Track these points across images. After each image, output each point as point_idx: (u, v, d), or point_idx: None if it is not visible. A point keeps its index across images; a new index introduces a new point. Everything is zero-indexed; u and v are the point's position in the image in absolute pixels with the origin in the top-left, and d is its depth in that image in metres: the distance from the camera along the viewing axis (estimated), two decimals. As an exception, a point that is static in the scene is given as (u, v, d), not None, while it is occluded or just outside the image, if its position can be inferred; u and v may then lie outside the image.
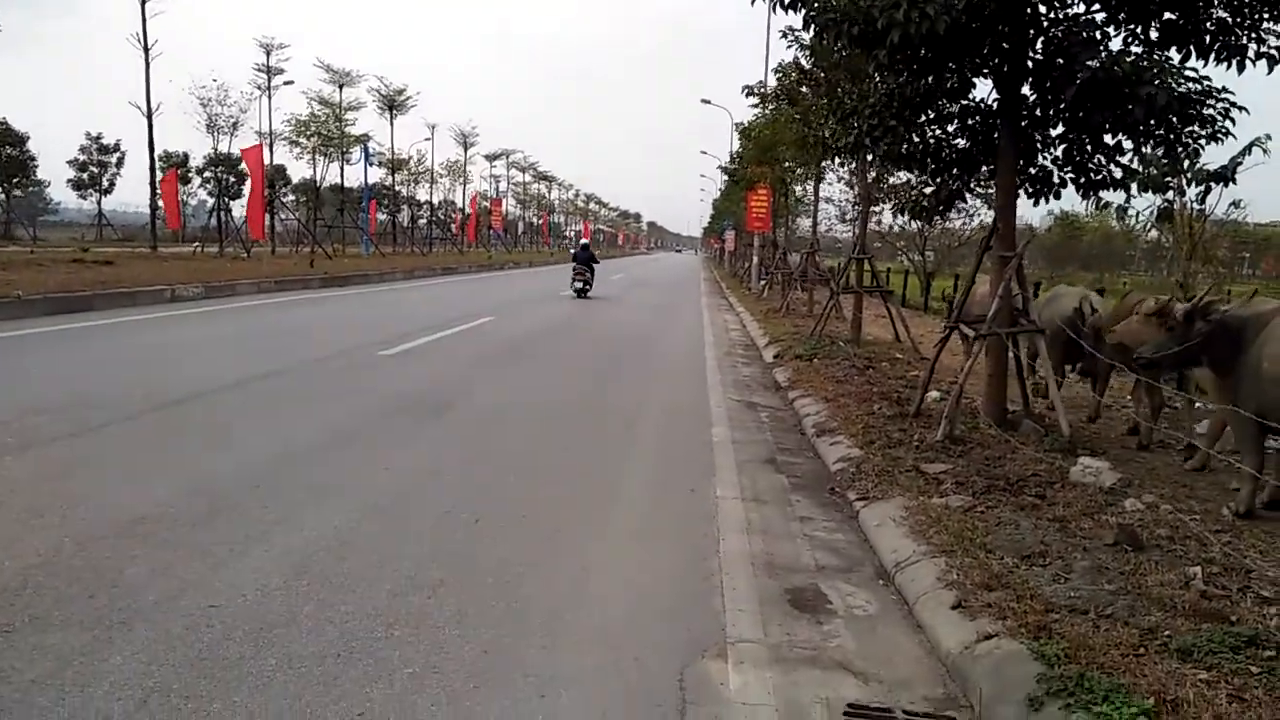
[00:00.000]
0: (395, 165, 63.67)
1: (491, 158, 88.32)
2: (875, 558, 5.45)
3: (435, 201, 76.50)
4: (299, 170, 73.78)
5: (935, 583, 4.68)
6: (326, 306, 20.61)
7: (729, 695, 3.64)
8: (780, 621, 4.44)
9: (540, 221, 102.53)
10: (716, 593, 4.78)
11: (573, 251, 29.24)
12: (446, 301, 23.81)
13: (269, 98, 49.91)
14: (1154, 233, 26.45)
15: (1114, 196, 8.97)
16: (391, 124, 60.06)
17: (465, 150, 76.48)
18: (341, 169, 57.12)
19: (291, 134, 51.99)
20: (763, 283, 29.69)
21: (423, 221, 71.92)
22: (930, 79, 7.84)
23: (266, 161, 39.94)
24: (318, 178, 56.60)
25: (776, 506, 6.44)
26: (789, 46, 13.55)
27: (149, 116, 36.13)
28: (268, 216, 40.33)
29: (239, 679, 3.58)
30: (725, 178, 38.22)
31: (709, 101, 39.98)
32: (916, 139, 8.40)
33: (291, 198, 68.77)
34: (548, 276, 42.64)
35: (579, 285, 27.46)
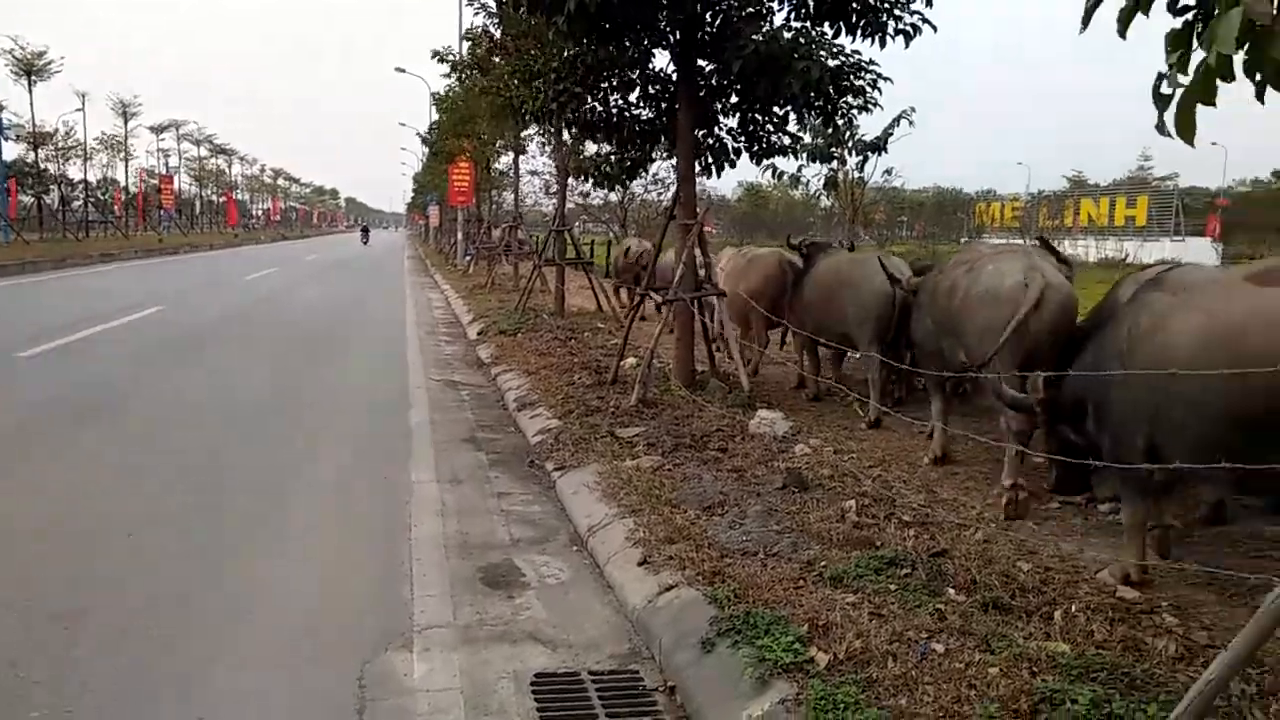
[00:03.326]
0: (38, 139, 55.47)
1: (158, 129, 79.26)
2: (571, 525, 5.52)
3: (92, 180, 67.67)
4: (-86, 146, 62.03)
5: (624, 542, 4.81)
6: (-47, 303, 17.61)
7: (412, 685, 3.51)
8: (471, 601, 4.36)
9: (224, 200, 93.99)
10: (406, 581, 4.60)
11: (359, 228, 76.78)
12: (106, 291, 21.08)
13: None
14: (826, 200, 29.20)
15: (787, 165, 9.77)
16: (30, 92, 52.18)
17: (126, 122, 68.09)
18: (-34, 144, 48.88)
19: (-108, 103, 43.70)
20: (468, 258, 29.26)
21: (77, 203, 63.41)
22: (612, 47, 7.98)
23: None
24: (-63, 154, 48.12)
25: (474, 485, 6.34)
26: (476, 13, 13.31)
27: None
28: None
29: None
30: (426, 150, 37.17)
31: (404, 70, 38.52)
32: (601, 107, 8.56)
33: (-95, 178, 58.04)
34: (232, 260, 39.27)
35: (365, 241, 60.93)
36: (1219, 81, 2.00)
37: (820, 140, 20.63)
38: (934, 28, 7.64)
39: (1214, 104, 1.99)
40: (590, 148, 11.38)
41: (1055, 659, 3.17)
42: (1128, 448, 4.16)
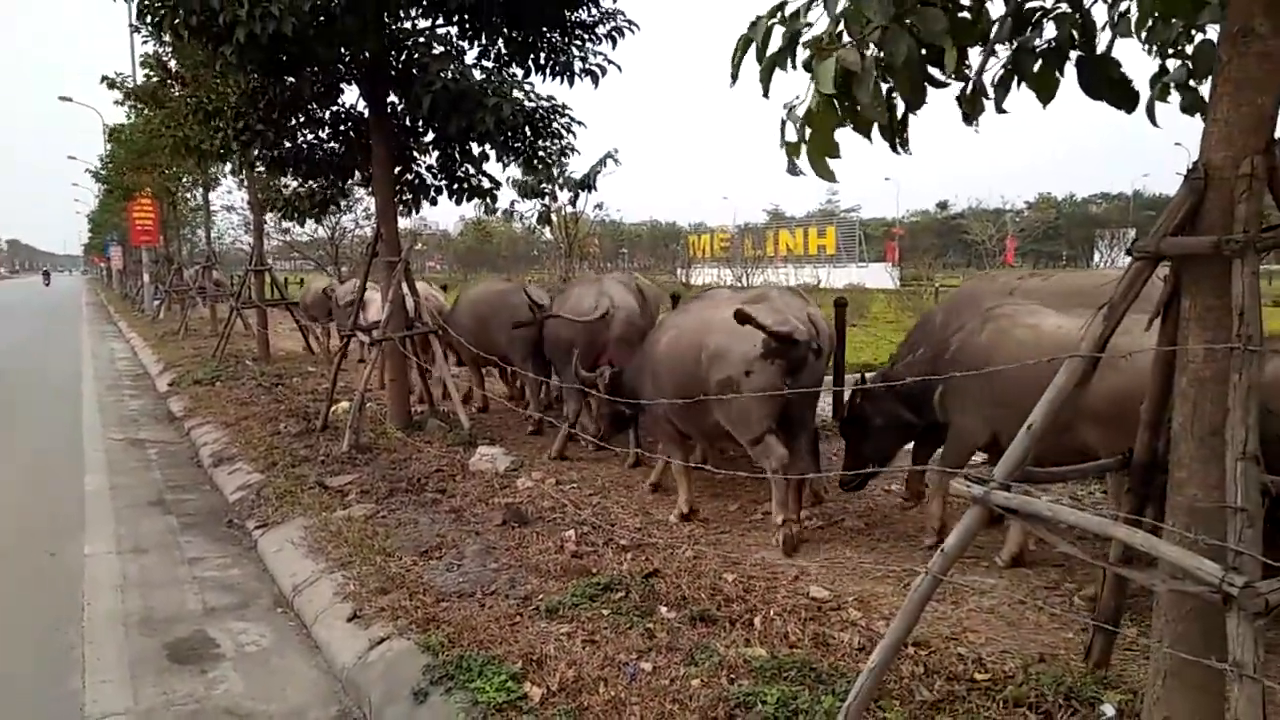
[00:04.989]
0: None
1: None
2: (275, 586, 5.13)
3: None
4: None
5: (333, 598, 4.55)
6: None
7: (80, 790, 3.08)
8: (156, 682, 3.92)
9: None
10: (76, 668, 4.06)
11: (41, 272, 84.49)
12: None
13: None
14: (548, 234, 29.69)
15: (500, 202, 9.85)
16: None
17: None
18: None
19: None
20: (157, 303, 26.66)
21: None
22: (293, 81, 7.60)
23: None
24: None
25: (161, 552, 5.73)
26: (144, 41, 12.19)
27: None
28: None
29: None
30: (101, 187, 33.44)
31: (70, 99, 34.45)
32: (288, 143, 8.13)
33: None
34: None
35: (46, 283, 65.77)
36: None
37: (531, 177, 21.23)
38: (619, 68, 8.05)
39: (837, 155, 2.23)
40: (286, 180, 10.80)
41: (751, 663, 3.36)
42: (659, 419, 5.84)
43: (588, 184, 22.74)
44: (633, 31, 8.04)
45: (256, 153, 7.81)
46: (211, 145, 7.76)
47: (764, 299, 5.96)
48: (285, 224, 24.46)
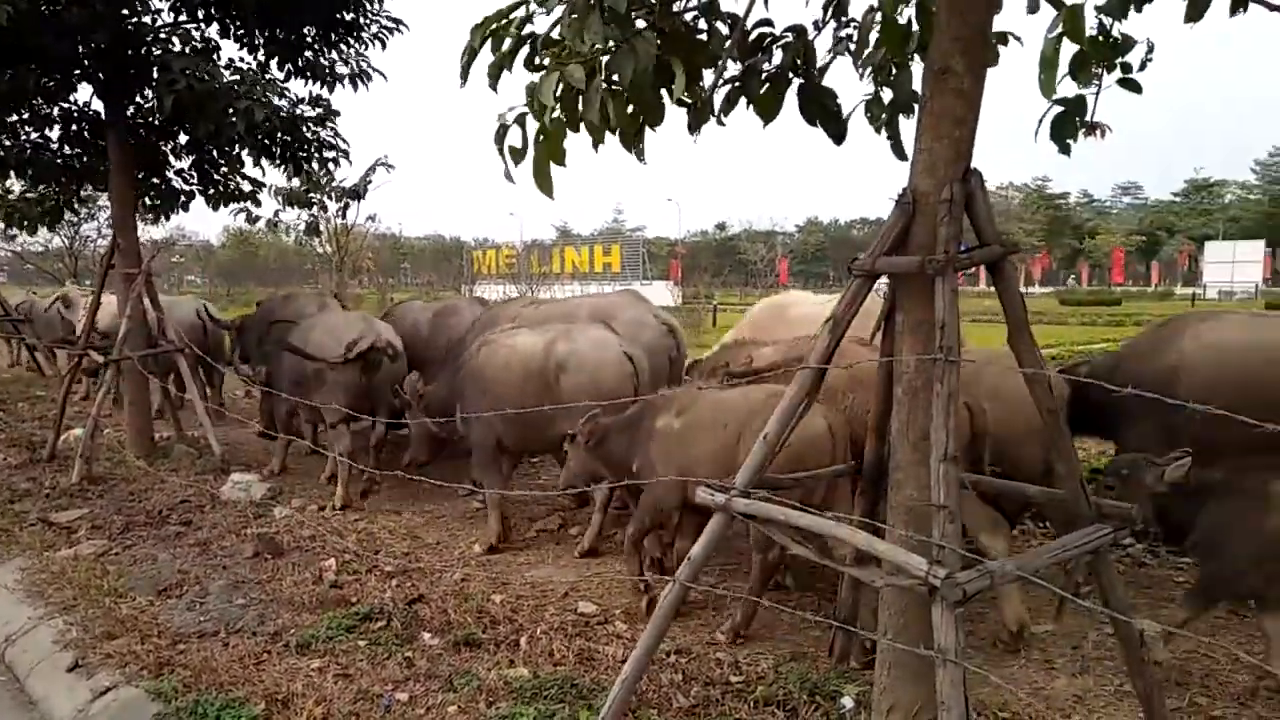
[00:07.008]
0: None
1: None
2: (-18, 638, 4.53)
3: None
4: None
5: (52, 646, 4.09)
6: None
7: None
8: None
9: None
10: None
11: None
12: None
13: None
14: (320, 247, 28.21)
15: (262, 210, 9.27)
16: None
17: None
18: None
19: None
20: None
21: None
22: (14, 74, 6.79)
23: None
24: None
25: None
26: None
27: None
28: None
29: None
30: None
31: None
32: (9, 141, 7.26)
33: None
34: None
35: None
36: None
37: (298, 184, 20.01)
38: (384, 76, 7.83)
39: (563, 163, 2.25)
40: (10, 184, 9.65)
41: (512, 685, 3.31)
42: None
43: (357, 193, 21.81)
44: (401, 32, 7.80)
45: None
46: (-91, 141, 6.79)
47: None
48: (11, 233, 21.87)
